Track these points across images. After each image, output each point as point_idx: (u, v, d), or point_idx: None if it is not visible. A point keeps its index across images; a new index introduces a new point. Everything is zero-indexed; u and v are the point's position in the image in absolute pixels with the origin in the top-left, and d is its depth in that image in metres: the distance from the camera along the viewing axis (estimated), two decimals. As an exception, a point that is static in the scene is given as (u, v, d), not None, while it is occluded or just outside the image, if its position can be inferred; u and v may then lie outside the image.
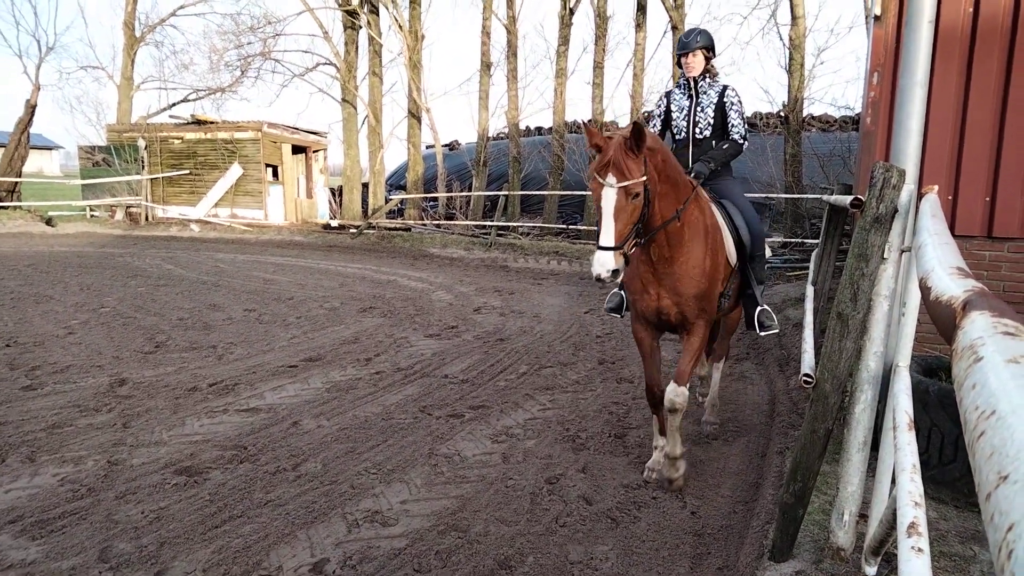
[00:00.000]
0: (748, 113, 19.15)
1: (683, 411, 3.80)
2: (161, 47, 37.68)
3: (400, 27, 20.12)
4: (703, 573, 3.08)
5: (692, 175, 4.03)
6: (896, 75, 4.81)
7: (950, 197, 4.95)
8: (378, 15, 20.68)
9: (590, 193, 3.38)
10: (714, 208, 4.01)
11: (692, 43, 4.28)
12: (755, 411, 5.33)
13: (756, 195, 15.62)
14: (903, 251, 2.69)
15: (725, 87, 4.34)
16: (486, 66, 20.11)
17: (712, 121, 4.33)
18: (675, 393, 3.74)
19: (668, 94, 4.55)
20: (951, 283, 1.07)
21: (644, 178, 3.28)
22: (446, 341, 7.41)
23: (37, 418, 4.81)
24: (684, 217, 3.63)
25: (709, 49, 4.31)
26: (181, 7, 24.65)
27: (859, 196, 2.81)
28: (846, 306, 2.71)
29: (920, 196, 2.38)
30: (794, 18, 15.80)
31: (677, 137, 4.48)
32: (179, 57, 33.13)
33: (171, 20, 24.71)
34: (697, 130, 4.38)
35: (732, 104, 4.30)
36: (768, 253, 4.60)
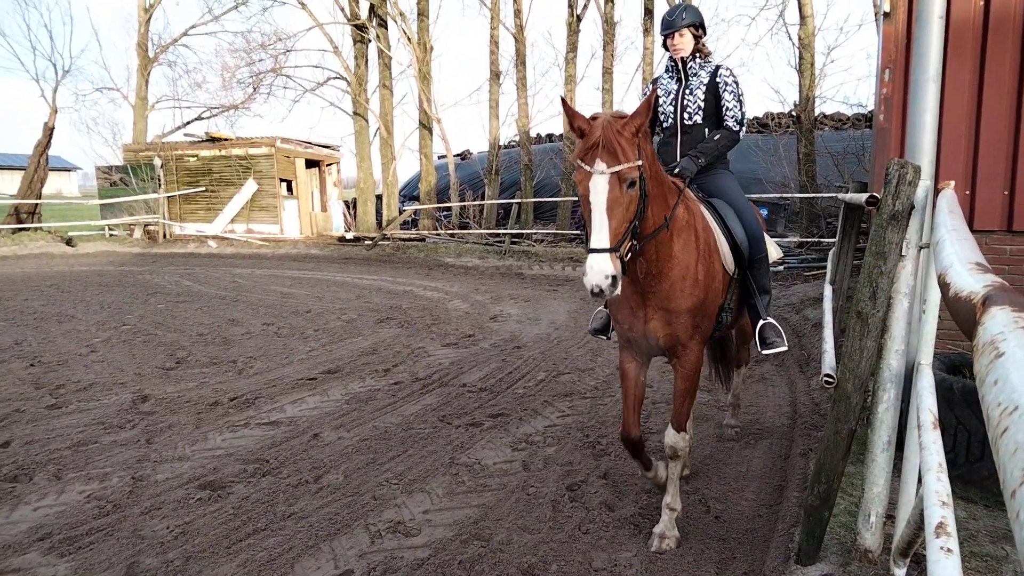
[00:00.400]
0: (759, 113, 19.11)
1: (685, 457, 3.45)
2: (174, 67, 38.18)
3: (409, 39, 20.28)
4: (728, 577, 3.06)
5: (676, 172, 3.52)
6: (908, 71, 4.79)
7: (968, 192, 4.90)
8: (387, 28, 20.86)
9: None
10: (703, 209, 3.48)
11: (677, 21, 3.77)
12: (776, 413, 5.29)
13: (770, 195, 15.56)
14: (921, 247, 2.67)
15: (718, 67, 3.80)
16: (495, 75, 20.19)
17: (703, 105, 3.79)
18: (675, 439, 3.38)
19: (655, 81, 4.03)
20: (970, 279, 1.06)
21: (640, 162, 2.78)
22: (463, 350, 7.42)
23: (62, 436, 4.87)
24: (672, 223, 3.12)
25: (698, 27, 3.81)
26: (192, 27, 25.00)
27: (875, 194, 2.79)
28: (865, 304, 2.69)
29: (937, 192, 2.36)
30: (803, 17, 15.75)
31: (664, 125, 3.94)
32: (192, 76, 33.65)
33: (183, 40, 25.09)
34: (686, 115, 3.82)
35: (726, 85, 3.76)
36: (775, 254, 4.05)
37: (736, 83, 3.78)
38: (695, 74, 3.83)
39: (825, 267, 8.97)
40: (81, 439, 4.82)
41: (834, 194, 12.59)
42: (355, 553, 3.31)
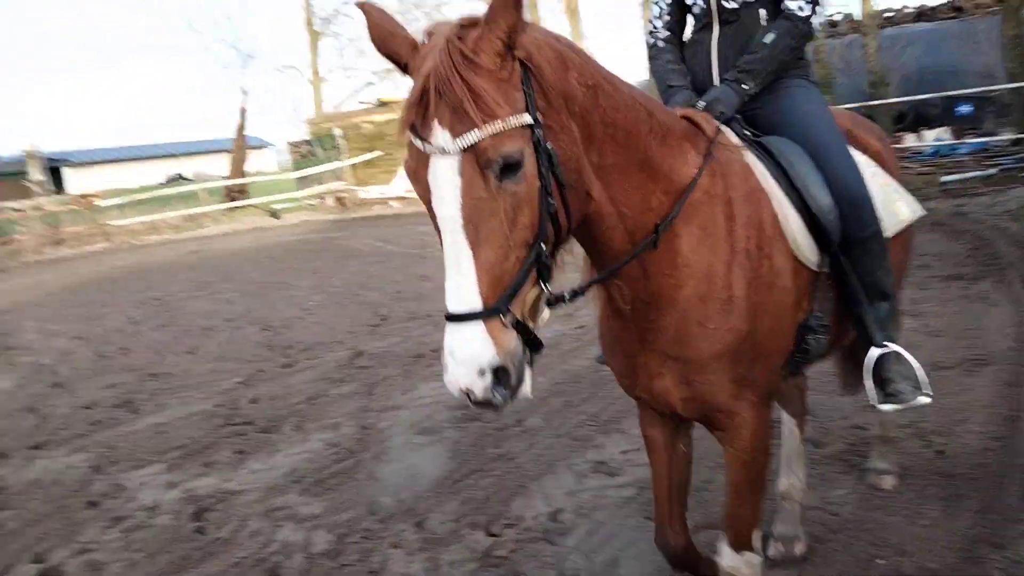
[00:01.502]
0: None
1: None
2: (339, 38, 40.23)
3: (559, -25, 19.87)
4: (958, 517, 2.89)
5: (706, 109, 2.09)
6: None
7: None
8: (536, -33, 20.56)
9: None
10: (750, 160, 2.01)
11: None
12: (1001, 336, 4.81)
13: (972, 90, 13.64)
14: None
15: None
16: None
17: None
18: (733, 561, 2.07)
19: None
20: None
21: (525, 115, 1.42)
22: (644, 289, 7.40)
23: (298, 392, 5.55)
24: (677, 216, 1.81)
25: None
26: (353, -4, 26.19)
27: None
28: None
29: None
30: None
31: (693, 11, 2.39)
32: (356, 44, 35.17)
33: (344, 10, 26.36)
34: None
35: None
36: (908, 215, 2.45)
37: None
38: None
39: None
40: (313, 393, 5.46)
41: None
42: (563, 492, 3.52)
